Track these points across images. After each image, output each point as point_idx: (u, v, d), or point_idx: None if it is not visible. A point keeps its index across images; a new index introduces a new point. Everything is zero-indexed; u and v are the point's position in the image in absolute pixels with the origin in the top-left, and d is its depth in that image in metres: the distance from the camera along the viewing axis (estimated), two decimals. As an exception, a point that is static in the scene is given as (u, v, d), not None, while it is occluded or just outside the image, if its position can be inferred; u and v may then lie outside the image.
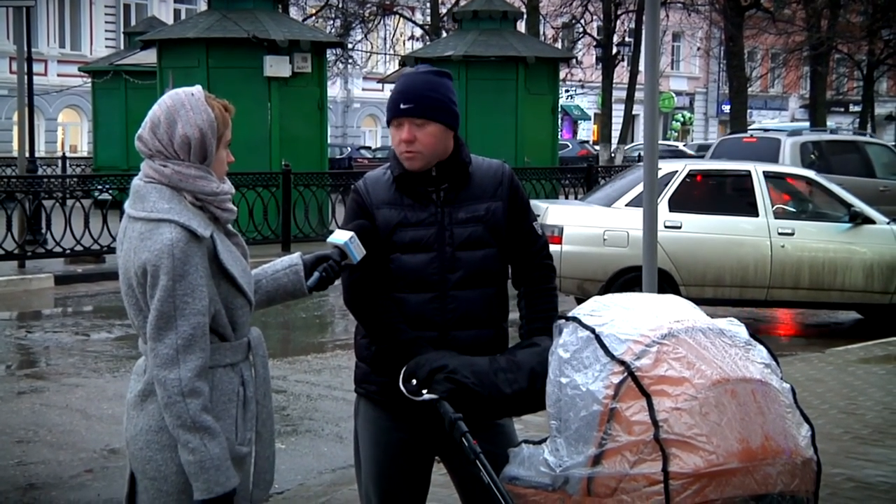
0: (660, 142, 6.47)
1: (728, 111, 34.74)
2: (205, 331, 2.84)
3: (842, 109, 55.30)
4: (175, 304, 2.79)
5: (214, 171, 2.95)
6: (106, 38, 40.74)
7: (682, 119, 59.62)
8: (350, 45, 33.36)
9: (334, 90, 41.82)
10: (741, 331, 2.86)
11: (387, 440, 3.43)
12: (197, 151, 2.90)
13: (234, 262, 2.96)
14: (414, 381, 3.13)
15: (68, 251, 14.83)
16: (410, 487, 3.47)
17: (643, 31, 6.89)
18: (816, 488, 2.78)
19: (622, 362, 2.68)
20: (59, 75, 38.36)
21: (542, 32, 32.21)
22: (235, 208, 3.02)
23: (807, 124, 28.16)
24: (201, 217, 2.90)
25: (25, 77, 16.27)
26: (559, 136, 26.42)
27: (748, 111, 30.93)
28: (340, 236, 3.22)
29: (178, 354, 2.79)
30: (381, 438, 3.44)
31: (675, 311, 2.86)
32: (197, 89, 2.96)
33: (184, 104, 2.90)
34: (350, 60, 35.55)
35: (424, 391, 3.10)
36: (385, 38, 40.16)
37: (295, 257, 3.26)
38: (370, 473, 3.49)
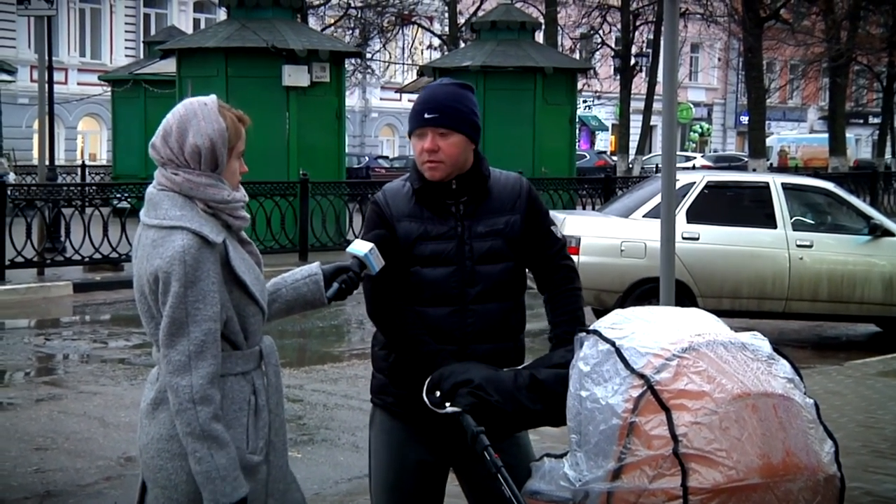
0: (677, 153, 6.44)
1: (746, 122, 34.59)
2: (216, 337, 2.84)
3: (861, 121, 55.10)
4: (187, 310, 2.79)
5: (226, 180, 2.95)
6: (126, 48, 40.95)
7: (699, 130, 59.45)
8: (368, 55, 33.44)
9: (352, 100, 41.92)
10: (764, 345, 2.84)
11: (402, 452, 3.42)
12: (207, 161, 2.90)
13: (247, 270, 2.96)
14: (437, 393, 3.12)
15: (87, 259, 14.87)
16: (422, 500, 3.45)
17: (661, 42, 6.87)
18: (839, 505, 2.76)
19: (642, 376, 2.66)
20: (79, 84, 38.56)
21: (560, 43, 32.23)
22: (248, 216, 3.02)
23: None
24: (213, 223, 2.90)
25: (46, 85, 16.35)
26: (577, 147, 26.38)
27: (766, 122, 30.82)
28: (360, 247, 3.21)
29: (191, 361, 2.79)
30: (397, 450, 3.43)
31: (697, 325, 2.84)
32: (211, 99, 2.96)
33: (196, 114, 2.91)
34: (368, 70, 35.67)
35: (447, 404, 3.09)
36: (403, 48, 40.25)
37: (314, 267, 3.24)
38: (382, 484, 3.48)
